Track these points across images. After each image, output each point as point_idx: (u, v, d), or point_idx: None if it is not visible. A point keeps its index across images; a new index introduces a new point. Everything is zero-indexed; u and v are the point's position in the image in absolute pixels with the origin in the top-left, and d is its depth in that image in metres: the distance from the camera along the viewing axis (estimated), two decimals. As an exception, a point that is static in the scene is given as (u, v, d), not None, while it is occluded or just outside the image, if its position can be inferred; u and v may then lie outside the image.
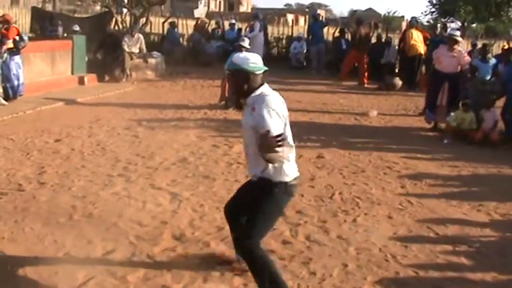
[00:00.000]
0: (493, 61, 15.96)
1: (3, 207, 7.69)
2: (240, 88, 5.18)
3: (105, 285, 5.68)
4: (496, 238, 7.48)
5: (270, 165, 5.00)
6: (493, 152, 12.18)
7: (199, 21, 28.62)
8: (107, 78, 20.15)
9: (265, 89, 5.17)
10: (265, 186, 5.16)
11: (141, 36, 21.05)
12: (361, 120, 15.12)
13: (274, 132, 4.69)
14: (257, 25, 22.79)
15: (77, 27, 21.23)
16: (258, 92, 5.12)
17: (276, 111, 4.94)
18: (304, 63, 25.63)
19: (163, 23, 28.60)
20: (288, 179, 5.17)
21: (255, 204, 5.22)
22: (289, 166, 5.18)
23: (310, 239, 7.02)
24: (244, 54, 5.41)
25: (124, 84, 19.57)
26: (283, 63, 25.48)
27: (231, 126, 12.85)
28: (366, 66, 22.33)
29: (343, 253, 6.68)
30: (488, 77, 14.94)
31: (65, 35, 21.66)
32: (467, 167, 10.74)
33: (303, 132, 12.92)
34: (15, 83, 15.25)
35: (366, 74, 22.23)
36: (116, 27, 23.93)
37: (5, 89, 15.04)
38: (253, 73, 5.11)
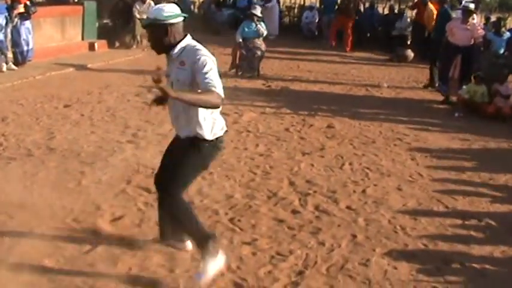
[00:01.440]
0: (507, 35, 15.86)
1: (12, 172, 7.69)
2: (160, 42, 4.94)
3: (113, 251, 5.68)
4: (505, 213, 7.45)
5: (201, 124, 4.95)
6: (505, 126, 12.08)
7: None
8: (117, 44, 20.10)
9: (191, 40, 4.98)
10: (192, 142, 5.04)
11: (152, 2, 20.84)
12: (372, 91, 15.04)
13: (220, 91, 4.63)
14: None
15: (87, -7, 21.14)
16: (183, 43, 4.91)
17: (213, 61, 4.79)
18: (316, 33, 25.44)
19: (175, -11, 28.44)
20: (217, 135, 5.11)
21: (178, 158, 5.11)
22: (218, 123, 5.11)
23: (319, 209, 7.01)
24: (158, 5, 5.10)
25: (134, 50, 19.49)
26: (295, 33, 25.32)
27: (241, 95, 12.80)
28: (350, 32, 22.58)
29: (352, 224, 6.66)
30: (501, 51, 14.82)
31: (76, 0, 21.54)
32: (478, 141, 10.69)
33: (313, 101, 12.92)
34: (25, 48, 15.23)
35: (350, 40, 22.50)
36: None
37: (14, 54, 15.02)
38: (171, 24, 4.87)
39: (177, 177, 5.10)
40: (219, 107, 4.77)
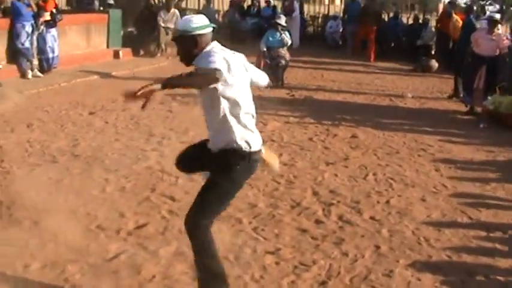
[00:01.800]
0: (533, 46, 15.71)
1: (37, 178, 7.75)
2: (189, 54, 4.83)
3: (136, 259, 5.69)
4: (531, 225, 7.39)
5: (234, 136, 4.69)
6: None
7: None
8: (141, 52, 20.21)
9: (215, 44, 4.84)
10: (223, 160, 4.77)
11: (176, 11, 20.98)
12: (396, 102, 15.00)
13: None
14: (296, 6, 22.94)
15: (111, 1, 21.23)
16: (207, 49, 4.77)
17: (222, 55, 4.65)
18: (340, 43, 25.43)
19: (199, -2, 28.49)
20: (250, 149, 4.78)
21: (211, 182, 4.85)
22: (251, 136, 4.82)
23: (343, 219, 6.97)
24: (185, 16, 5.05)
25: (159, 59, 19.60)
26: (319, 42, 25.36)
27: (265, 104, 12.77)
28: (373, 41, 22.62)
29: (375, 234, 6.62)
30: (527, 62, 14.70)
31: (101, 8, 21.68)
32: (503, 152, 10.60)
33: (337, 111, 12.92)
34: (50, 55, 15.39)
35: (373, 49, 22.55)
36: (152, 2, 23.85)
37: (40, 61, 15.15)
38: (200, 35, 4.77)
39: (205, 206, 4.81)
40: (214, 80, 4.45)
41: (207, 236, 4.77)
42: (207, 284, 4.88)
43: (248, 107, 4.84)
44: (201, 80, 4.49)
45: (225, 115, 4.68)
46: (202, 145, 5.12)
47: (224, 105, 4.65)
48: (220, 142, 4.78)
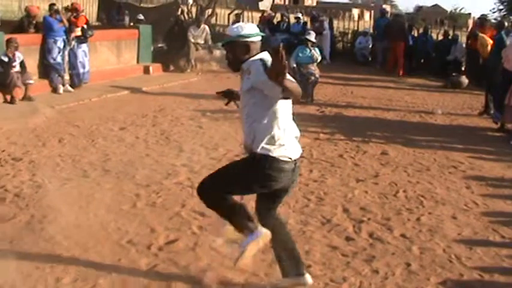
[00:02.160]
0: None
1: (68, 193, 7.80)
2: (239, 59, 4.95)
3: (167, 274, 5.70)
4: None
5: (262, 135, 4.83)
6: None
7: (265, 14, 28.64)
8: (171, 68, 20.34)
9: (265, 54, 4.91)
10: (253, 156, 4.92)
11: (206, 27, 21.10)
12: (426, 118, 14.92)
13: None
14: (326, 25, 23.22)
15: (141, 16, 21.37)
16: (257, 56, 4.88)
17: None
18: (369, 59, 25.40)
19: (229, 14, 28.60)
20: (284, 156, 4.89)
21: (235, 162, 5.21)
22: (287, 144, 4.93)
23: (373, 237, 6.94)
24: (237, 23, 5.15)
25: (189, 74, 19.72)
26: (348, 58, 25.37)
27: (295, 120, 12.80)
28: (402, 56, 22.77)
29: (406, 252, 6.58)
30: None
31: (131, 24, 21.86)
32: (535, 170, 10.51)
33: (367, 128, 12.87)
34: (81, 70, 15.55)
35: (402, 63, 22.77)
36: (182, 18, 24.00)
37: (71, 76, 15.31)
38: (252, 41, 4.91)
39: (218, 179, 5.12)
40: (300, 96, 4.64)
41: (218, 201, 5.08)
42: (239, 224, 5.11)
43: (289, 118, 5.04)
44: (299, 92, 4.61)
45: (271, 119, 4.84)
46: None
47: (274, 108, 4.81)
48: (259, 142, 4.88)
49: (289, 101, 4.93)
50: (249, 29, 4.96)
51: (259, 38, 4.97)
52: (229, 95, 5.69)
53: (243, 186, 5.05)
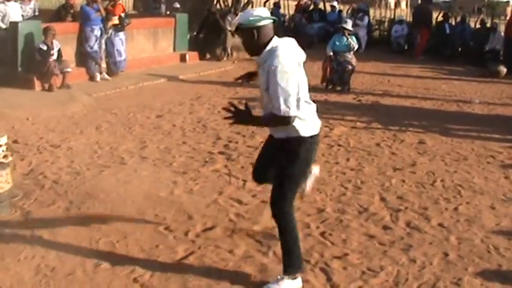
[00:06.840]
0: None
1: (106, 180, 7.85)
2: (248, 45, 5.07)
3: (204, 261, 5.72)
4: None
5: (292, 126, 4.94)
6: None
7: (301, 2, 28.55)
8: (208, 56, 20.36)
9: (276, 42, 4.96)
10: (288, 147, 5.10)
11: (243, 15, 21.05)
12: (464, 107, 14.75)
13: (292, 101, 4.74)
14: (366, 17, 24.23)
15: (177, 5, 21.40)
16: (268, 47, 4.93)
17: (287, 69, 4.76)
18: (406, 47, 25.20)
19: (265, 2, 28.53)
20: (312, 133, 5.12)
21: (281, 170, 5.17)
22: (310, 121, 5.13)
23: (411, 226, 6.89)
24: (247, 10, 5.22)
25: (225, 62, 19.74)
26: (385, 47, 25.20)
27: (332, 108, 12.80)
28: (424, 41, 23.33)
29: (444, 242, 6.52)
30: None
31: (168, 12, 21.89)
32: None
33: (404, 116, 12.78)
34: (118, 58, 15.64)
35: (420, 47, 23.39)
36: (218, 6, 24.01)
37: (108, 64, 15.40)
38: (257, 27, 4.94)
39: (285, 193, 5.16)
40: (288, 124, 4.89)
41: (291, 222, 5.19)
42: (287, 261, 5.24)
43: (307, 97, 5.09)
44: (276, 124, 5.01)
45: None
46: (266, 142, 5.67)
47: None
48: (282, 130, 5.06)
49: (303, 75, 5.02)
50: (255, 14, 4.99)
51: (266, 22, 4.97)
52: (244, 77, 5.93)
53: (302, 174, 5.30)
